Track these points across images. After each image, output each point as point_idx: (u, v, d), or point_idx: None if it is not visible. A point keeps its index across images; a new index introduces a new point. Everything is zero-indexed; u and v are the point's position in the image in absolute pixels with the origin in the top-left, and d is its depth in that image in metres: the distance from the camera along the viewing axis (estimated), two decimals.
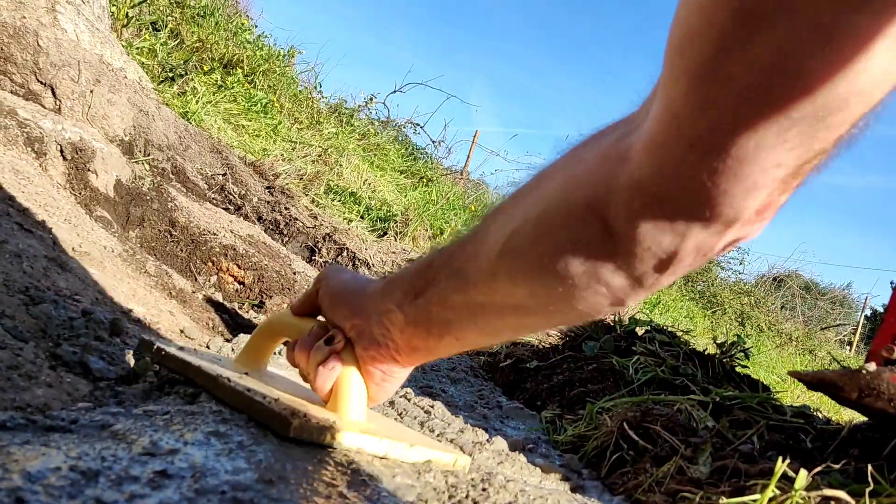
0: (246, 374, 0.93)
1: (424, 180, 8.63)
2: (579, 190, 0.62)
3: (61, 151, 2.08)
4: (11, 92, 2.22)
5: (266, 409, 0.77)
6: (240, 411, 0.80)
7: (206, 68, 6.06)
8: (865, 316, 16.15)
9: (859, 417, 1.43)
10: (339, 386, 0.83)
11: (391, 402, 1.35)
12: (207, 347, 1.57)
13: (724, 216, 0.53)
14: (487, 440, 1.24)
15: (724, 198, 0.51)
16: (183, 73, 5.39)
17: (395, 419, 1.24)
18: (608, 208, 0.58)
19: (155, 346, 0.97)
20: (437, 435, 1.18)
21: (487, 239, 0.70)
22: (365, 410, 0.85)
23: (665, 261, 0.58)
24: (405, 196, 7.17)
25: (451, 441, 1.17)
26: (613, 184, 0.58)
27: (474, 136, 11.91)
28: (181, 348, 1.01)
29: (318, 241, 4.28)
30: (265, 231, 3.80)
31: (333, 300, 0.87)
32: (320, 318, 0.91)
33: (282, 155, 5.56)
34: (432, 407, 1.37)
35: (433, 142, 11.42)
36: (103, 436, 0.69)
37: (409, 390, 1.47)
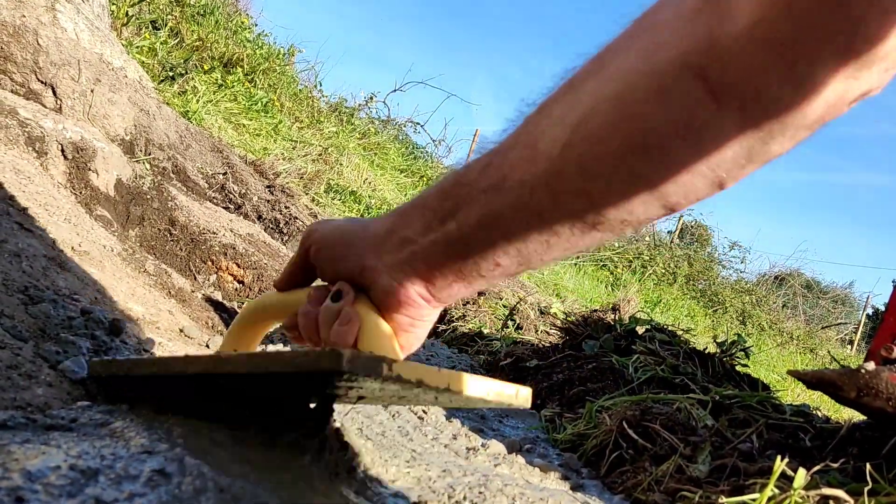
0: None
1: (425, 179, 8.63)
2: (667, 52, 0.54)
3: (62, 151, 2.08)
4: (12, 91, 2.23)
5: (301, 355, 0.62)
6: (260, 377, 0.66)
7: (206, 67, 6.06)
8: (867, 315, 16.14)
9: (858, 416, 1.43)
10: (363, 335, 0.70)
11: (384, 406, 1.35)
12: (207, 346, 1.58)
13: (860, 52, 0.47)
14: (482, 444, 1.24)
15: (861, 28, 0.46)
16: (183, 72, 5.39)
17: (388, 420, 1.24)
18: (712, 64, 0.52)
19: (110, 360, 0.85)
20: (431, 440, 1.18)
21: (542, 137, 0.60)
22: (400, 354, 0.73)
23: (787, 118, 0.52)
24: (405, 195, 7.18)
25: (446, 447, 1.17)
26: (717, 34, 0.51)
27: (475, 135, 11.92)
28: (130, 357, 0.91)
29: None
30: (265, 230, 3.80)
31: (332, 251, 0.75)
32: (315, 283, 0.79)
33: (282, 154, 5.56)
34: (426, 412, 1.37)
35: (433, 140, 11.44)
36: (102, 434, 0.69)
37: None
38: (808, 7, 0.47)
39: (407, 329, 0.73)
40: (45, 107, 2.27)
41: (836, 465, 1.19)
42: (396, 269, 0.69)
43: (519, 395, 0.73)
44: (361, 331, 0.70)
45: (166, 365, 0.78)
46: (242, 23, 7.87)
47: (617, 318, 2.67)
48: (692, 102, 0.53)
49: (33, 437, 0.65)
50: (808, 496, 1.07)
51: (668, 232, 14.53)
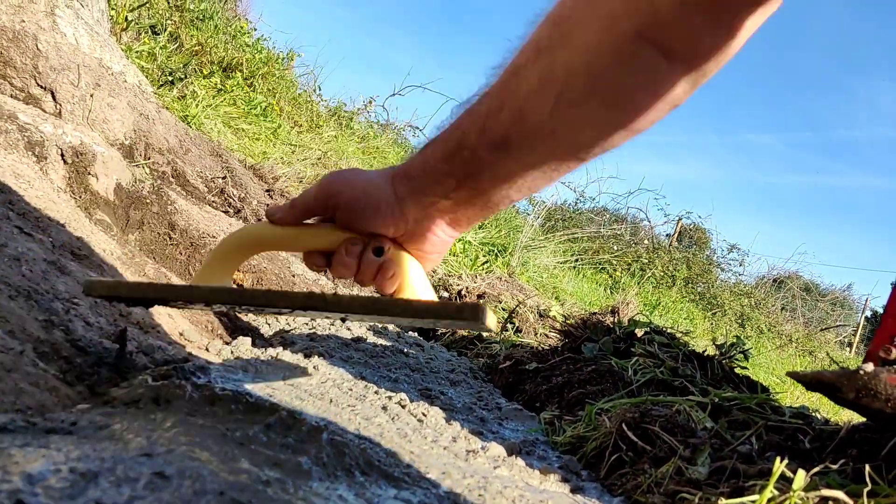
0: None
1: None
2: (623, 24, 0.66)
3: (62, 155, 2.08)
4: (11, 96, 2.23)
5: (442, 308, 0.80)
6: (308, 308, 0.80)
7: (205, 72, 6.07)
8: (866, 317, 16.15)
9: (858, 418, 1.43)
10: (405, 283, 0.84)
11: (384, 407, 1.35)
12: (207, 350, 1.58)
13: None
14: (482, 447, 1.24)
15: None
16: (182, 76, 5.40)
17: (387, 422, 1.24)
18: (660, 30, 0.65)
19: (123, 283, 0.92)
20: (431, 441, 1.18)
21: (528, 104, 0.73)
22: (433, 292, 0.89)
23: (721, 56, 0.69)
24: None
25: (445, 449, 1.17)
26: (658, 5, 0.64)
27: None
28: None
29: None
30: None
31: (359, 207, 0.83)
32: (323, 224, 0.88)
33: (281, 158, 5.57)
34: (425, 415, 1.37)
35: None
36: (102, 437, 0.69)
37: (403, 396, 1.47)
38: None
39: (434, 257, 0.87)
40: (44, 111, 2.28)
41: (835, 467, 1.19)
42: (422, 221, 0.82)
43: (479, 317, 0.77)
44: (404, 279, 0.84)
45: (176, 291, 0.90)
46: (241, 27, 7.89)
47: (616, 320, 2.67)
48: (649, 63, 0.68)
49: (33, 440, 0.65)
50: (807, 498, 1.07)
51: (667, 235, 14.54)
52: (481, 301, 0.83)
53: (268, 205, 4.27)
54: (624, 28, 0.66)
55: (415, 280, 0.85)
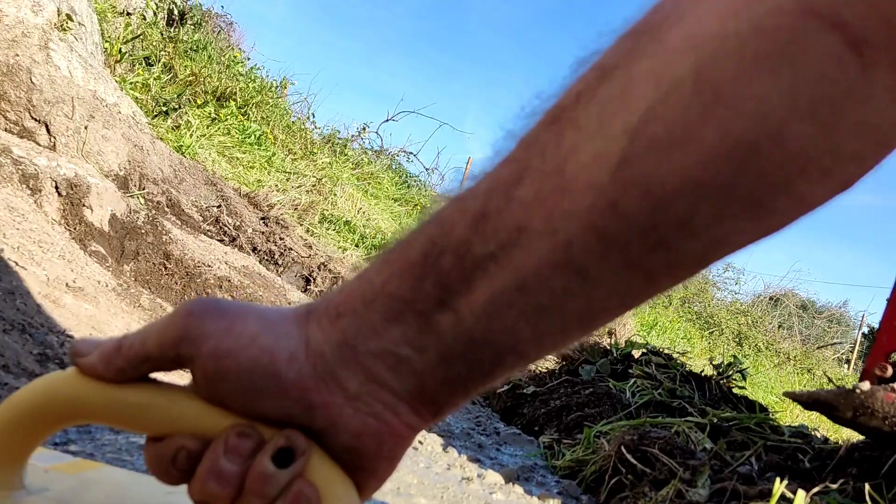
0: None
1: (419, 207, 8.66)
2: None
3: (56, 188, 2.09)
4: (6, 129, 2.24)
5: None
6: None
7: (199, 101, 6.11)
8: (863, 333, 16.14)
9: (857, 436, 1.43)
10: None
11: None
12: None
13: None
14: (479, 475, 1.23)
15: None
16: (176, 106, 5.43)
17: None
18: (850, 4, 0.34)
19: None
20: (425, 468, 1.18)
21: (572, 157, 0.37)
22: None
23: None
24: (400, 223, 7.20)
25: (437, 475, 1.17)
26: None
27: (467, 163, 11.99)
28: None
29: (312, 271, 4.29)
30: (260, 261, 3.80)
31: (244, 378, 0.41)
32: (179, 389, 0.44)
33: (276, 185, 5.59)
34: (421, 442, 1.36)
35: (426, 169, 11.50)
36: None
37: None
38: None
39: (382, 471, 0.45)
40: (39, 144, 2.29)
41: (835, 486, 1.19)
42: (366, 399, 0.42)
43: None
44: None
45: None
46: (235, 57, 7.95)
47: (613, 342, 2.67)
48: (825, 64, 0.35)
49: None
50: None
51: None
52: None
53: (263, 233, 4.28)
54: (778, 1, 0.35)
55: None
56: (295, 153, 7.43)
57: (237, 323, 0.43)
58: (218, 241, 3.44)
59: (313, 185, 6.30)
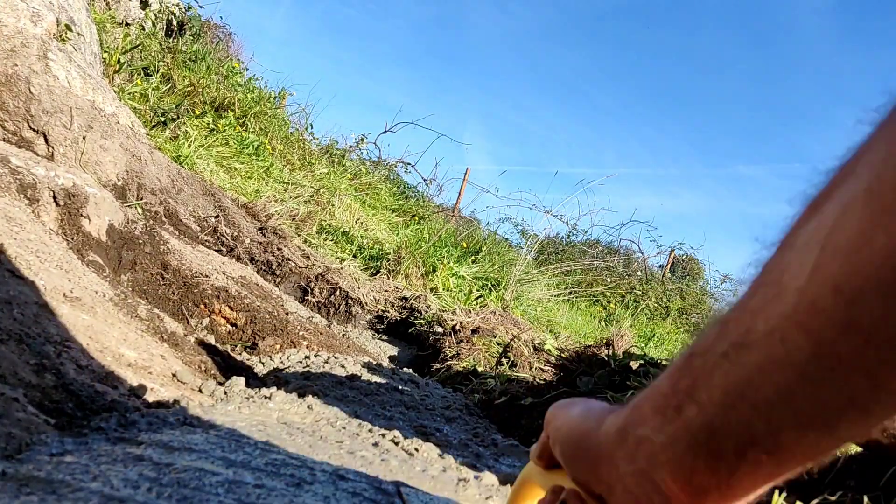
0: None
1: (416, 218, 8.67)
2: None
3: (54, 197, 2.08)
4: (4, 139, 2.24)
5: None
6: None
7: (197, 112, 6.12)
8: None
9: (855, 448, 1.42)
10: None
11: (375, 443, 1.34)
12: (200, 391, 1.57)
13: None
14: (475, 477, 1.23)
15: None
16: (175, 116, 5.44)
17: (376, 455, 1.22)
18: None
19: None
20: (421, 472, 1.17)
21: (787, 268, 0.44)
22: None
23: None
24: (397, 234, 7.20)
25: (433, 478, 1.16)
26: None
27: (465, 174, 12.01)
28: None
29: (310, 281, 4.28)
30: (258, 272, 3.80)
31: (566, 450, 0.62)
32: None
33: (274, 196, 5.59)
34: (417, 450, 1.36)
35: (424, 180, 11.52)
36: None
37: (397, 433, 1.46)
38: None
39: None
40: (37, 154, 2.29)
41: (834, 498, 1.19)
42: (636, 479, 0.52)
43: None
44: None
45: None
46: (234, 67, 7.97)
47: (611, 353, 2.67)
48: None
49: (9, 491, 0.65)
50: None
51: (660, 266, 14.59)
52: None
53: (260, 243, 4.28)
54: None
55: None
56: (293, 164, 7.44)
57: (564, 416, 0.63)
58: (216, 251, 3.44)
59: (311, 196, 6.30)
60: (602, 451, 0.56)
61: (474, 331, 4.07)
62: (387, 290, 4.87)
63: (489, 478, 1.24)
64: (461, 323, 4.14)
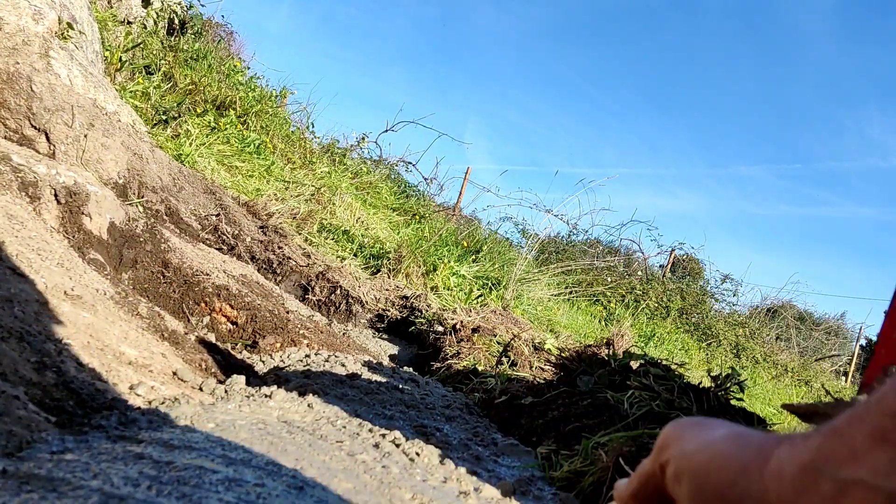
0: None
1: (417, 217, 8.67)
2: None
3: (55, 195, 2.09)
4: (5, 137, 2.24)
5: None
6: None
7: (199, 110, 6.12)
8: (860, 346, 16.14)
9: None
10: None
11: (375, 445, 1.34)
12: (200, 389, 1.57)
13: None
14: (475, 489, 1.23)
15: None
16: (176, 115, 5.44)
17: (376, 459, 1.23)
18: None
19: None
20: (421, 481, 1.17)
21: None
22: None
23: None
24: (398, 233, 7.20)
25: (434, 489, 1.16)
26: None
27: (466, 173, 12.01)
28: None
29: (311, 280, 4.28)
30: (258, 270, 3.80)
31: (701, 491, 0.43)
32: None
33: (275, 194, 5.59)
34: (418, 454, 1.36)
35: (425, 179, 11.51)
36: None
37: (397, 434, 1.46)
38: None
39: None
40: (38, 152, 2.29)
41: None
42: None
43: None
44: None
45: None
46: (235, 66, 7.97)
47: (611, 353, 2.67)
48: None
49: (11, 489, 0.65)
50: None
51: (660, 266, 14.58)
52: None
53: (261, 241, 4.28)
54: None
55: None
56: (294, 162, 7.44)
57: (695, 441, 0.46)
58: (216, 249, 3.44)
59: (312, 195, 6.30)
60: (768, 498, 0.38)
61: (474, 330, 4.07)
62: (387, 289, 4.87)
63: (489, 490, 1.23)
64: (461, 322, 4.14)
